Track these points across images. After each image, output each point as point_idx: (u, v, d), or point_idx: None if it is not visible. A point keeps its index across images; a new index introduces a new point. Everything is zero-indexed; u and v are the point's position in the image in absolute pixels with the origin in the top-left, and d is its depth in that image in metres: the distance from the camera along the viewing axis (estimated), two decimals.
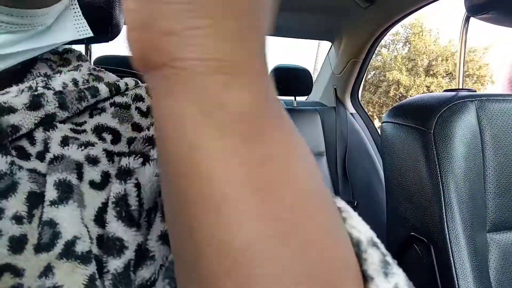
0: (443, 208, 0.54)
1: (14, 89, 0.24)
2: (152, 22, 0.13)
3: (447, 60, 14.86)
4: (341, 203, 0.21)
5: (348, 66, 1.80)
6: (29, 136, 0.23)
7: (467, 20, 0.73)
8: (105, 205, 0.23)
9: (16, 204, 0.21)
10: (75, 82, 0.27)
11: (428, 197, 0.57)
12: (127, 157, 0.24)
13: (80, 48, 0.39)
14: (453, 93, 0.71)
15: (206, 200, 0.14)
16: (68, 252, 0.20)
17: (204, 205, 0.14)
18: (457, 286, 0.50)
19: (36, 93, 0.23)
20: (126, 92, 0.29)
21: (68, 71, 0.29)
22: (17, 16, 0.23)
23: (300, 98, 2.22)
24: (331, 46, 1.94)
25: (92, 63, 0.34)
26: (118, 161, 0.25)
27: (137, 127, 0.27)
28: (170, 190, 0.16)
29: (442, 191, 0.55)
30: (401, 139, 0.65)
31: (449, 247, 0.52)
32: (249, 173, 0.14)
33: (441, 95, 0.68)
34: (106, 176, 0.24)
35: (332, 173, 1.84)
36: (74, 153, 0.23)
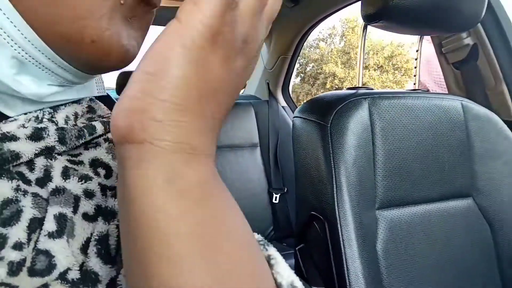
0: (334, 189, 0.64)
1: (22, 117, 0.26)
2: (148, 110, 0.18)
3: (377, 54, 15.82)
4: (271, 250, 0.25)
5: (278, 62, 1.89)
6: (28, 163, 0.25)
7: (365, 27, 0.84)
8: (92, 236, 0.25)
9: (18, 232, 0.22)
10: (75, 115, 0.30)
11: (323, 180, 0.66)
12: (113, 198, 0.27)
13: None
14: (353, 91, 0.82)
15: (163, 252, 0.18)
16: (62, 278, 0.22)
17: (161, 257, 0.18)
18: (343, 255, 0.60)
19: (39, 126, 0.25)
20: None
21: (71, 102, 0.31)
22: (76, 76, 0.26)
23: None
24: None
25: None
26: (110, 195, 0.27)
27: None
28: (130, 246, 0.19)
29: (334, 175, 0.65)
30: (306, 132, 0.74)
31: (338, 222, 0.62)
32: (201, 230, 0.18)
33: (341, 93, 0.79)
34: (98, 209, 0.26)
35: (265, 163, 1.93)
36: (74, 186, 0.25)
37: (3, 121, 0.25)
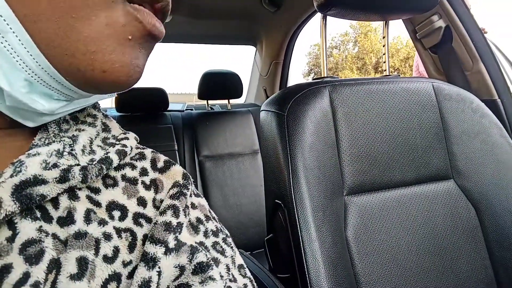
0: (291, 175, 0.64)
1: (44, 151, 0.28)
2: None
3: (393, 56, 15.62)
4: None
5: (271, 67, 1.91)
6: (53, 200, 0.27)
7: (323, 17, 0.85)
8: (111, 276, 0.27)
9: (38, 271, 0.23)
10: (91, 141, 0.32)
11: (281, 168, 0.66)
12: (153, 245, 0.28)
13: None
14: (318, 80, 0.82)
15: None
16: None
17: None
18: (301, 239, 0.60)
19: (65, 166, 0.28)
20: (135, 164, 0.35)
21: (88, 123, 0.33)
22: (79, 94, 0.28)
23: (237, 101, 2.31)
24: (256, 50, 2.06)
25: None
26: (125, 237, 0.29)
27: (142, 202, 0.32)
28: None
29: (289, 161, 0.65)
30: (267, 123, 0.75)
31: (295, 206, 0.62)
32: None
33: (302, 83, 0.79)
34: (116, 251, 0.28)
35: None
36: (95, 230, 0.27)
37: (26, 154, 0.27)
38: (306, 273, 0.58)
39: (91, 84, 0.26)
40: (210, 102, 2.17)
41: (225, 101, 2.13)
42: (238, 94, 2.02)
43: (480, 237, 0.80)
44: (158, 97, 1.92)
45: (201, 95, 1.97)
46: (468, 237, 0.80)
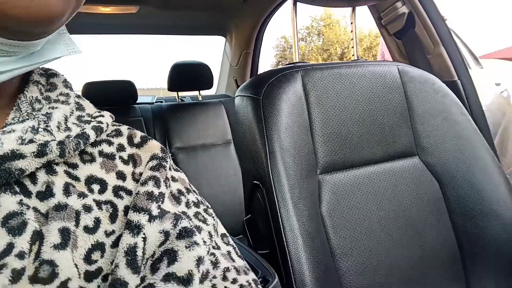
0: (268, 156, 0.66)
1: (18, 127, 0.28)
2: None
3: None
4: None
5: (241, 57, 1.93)
6: (31, 175, 0.27)
7: (294, 3, 0.87)
8: (94, 246, 0.27)
9: (22, 242, 0.24)
10: (65, 118, 0.32)
11: (258, 149, 0.69)
12: (136, 213, 0.29)
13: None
14: (290, 65, 0.85)
15: None
16: (63, 286, 0.24)
17: None
18: (279, 215, 0.63)
19: (42, 141, 0.28)
20: (112, 140, 0.35)
21: (60, 102, 0.33)
22: (14, 45, 0.27)
23: (208, 92, 2.31)
24: (225, 40, 2.06)
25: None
26: (106, 209, 0.30)
27: (121, 175, 0.33)
28: None
29: (266, 143, 0.67)
30: (242, 107, 0.77)
31: (273, 185, 0.64)
32: None
33: (275, 69, 0.81)
34: (97, 222, 0.28)
35: (240, 158, 1.96)
36: (74, 202, 0.28)
37: (1, 132, 0.27)
38: (286, 246, 0.61)
39: (3, 28, 0.25)
40: (180, 94, 2.16)
41: (196, 93, 2.12)
42: (209, 85, 2.01)
43: (443, 208, 0.86)
44: (126, 89, 1.89)
45: (171, 87, 1.95)
46: (432, 209, 0.85)
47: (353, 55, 0.97)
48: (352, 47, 0.98)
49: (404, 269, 0.78)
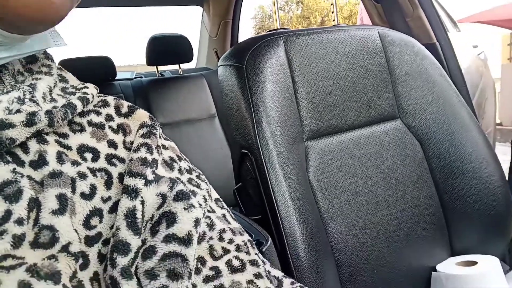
0: (254, 124, 0.67)
1: (4, 98, 0.28)
2: None
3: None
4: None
5: (220, 28, 1.89)
6: (22, 145, 0.27)
7: None
8: (92, 212, 0.28)
9: (19, 208, 0.25)
10: (50, 89, 0.32)
11: (245, 118, 0.69)
12: (132, 178, 0.30)
13: None
14: (272, 32, 0.84)
15: None
16: (65, 250, 0.25)
17: None
18: (269, 181, 0.64)
19: (31, 111, 0.27)
20: (99, 110, 0.35)
21: (43, 73, 0.32)
22: (7, 37, 0.27)
23: (188, 66, 2.27)
24: (203, 10, 2.01)
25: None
26: (101, 176, 0.30)
27: (112, 144, 0.33)
28: None
29: (253, 112, 0.68)
30: (226, 77, 0.76)
31: (261, 152, 0.65)
32: None
33: (257, 36, 0.81)
34: (93, 188, 0.29)
35: (225, 131, 1.95)
36: (69, 169, 0.28)
37: None
38: (277, 210, 0.63)
39: (8, 23, 0.26)
40: (160, 68, 2.12)
41: (176, 67, 2.08)
42: (189, 58, 1.98)
43: (425, 168, 0.90)
44: (104, 65, 1.84)
45: (150, 61, 1.91)
46: (415, 169, 0.88)
47: (333, 21, 0.97)
48: (333, 12, 0.97)
49: (390, 228, 0.82)
